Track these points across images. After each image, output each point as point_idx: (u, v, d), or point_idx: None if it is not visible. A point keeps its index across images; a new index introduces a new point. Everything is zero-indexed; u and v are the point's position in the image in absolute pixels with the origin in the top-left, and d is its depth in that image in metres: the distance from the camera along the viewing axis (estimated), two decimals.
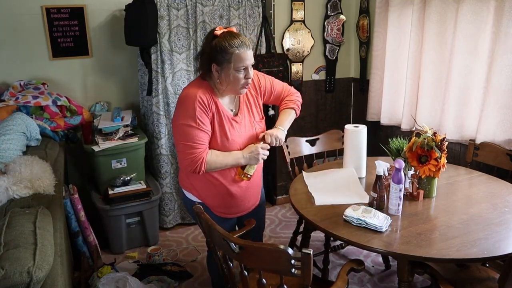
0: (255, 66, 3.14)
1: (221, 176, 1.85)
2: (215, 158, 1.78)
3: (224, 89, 1.79)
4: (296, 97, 2.08)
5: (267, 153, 1.87)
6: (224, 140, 1.80)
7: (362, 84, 3.69)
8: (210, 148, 1.80)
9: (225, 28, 1.76)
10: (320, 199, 1.96)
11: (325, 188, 2.09)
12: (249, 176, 1.87)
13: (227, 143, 1.81)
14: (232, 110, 1.86)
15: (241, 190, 1.91)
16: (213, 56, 1.71)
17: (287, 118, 2.01)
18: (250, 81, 1.78)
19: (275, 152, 3.44)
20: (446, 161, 1.95)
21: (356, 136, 2.21)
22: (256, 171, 1.94)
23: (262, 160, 1.88)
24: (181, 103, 1.76)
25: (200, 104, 1.72)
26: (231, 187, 1.88)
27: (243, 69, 1.73)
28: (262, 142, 1.87)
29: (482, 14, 2.50)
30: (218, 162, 1.78)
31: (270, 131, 1.91)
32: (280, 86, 2.06)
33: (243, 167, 1.87)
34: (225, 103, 1.84)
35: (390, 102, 3.29)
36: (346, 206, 1.83)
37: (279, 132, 1.93)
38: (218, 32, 1.72)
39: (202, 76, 1.82)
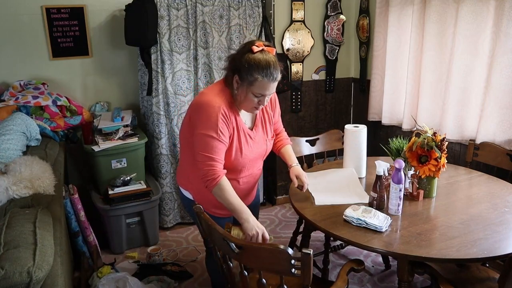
0: None
1: None
2: (228, 187, 1.71)
3: (239, 103, 1.77)
4: (287, 136, 2.15)
5: (259, 239, 1.65)
6: (238, 154, 1.79)
7: (362, 84, 3.69)
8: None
9: (266, 45, 1.70)
10: (320, 199, 1.96)
11: (325, 188, 2.09)
12: (231, 233, 1.67)
13: (240, 157, 1.80)
14: (245, 123, 1.84)
15: (236, 190, 1.89)
16: (239, 69, 1.68)
17: (293, 154, 2.08)
18: (261, 107, 1.77)
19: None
20: (446, 161, 1.95)
21: (356, 136, 2.21)
22: (255, 174, 1.95)
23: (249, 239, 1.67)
24: (203, 111, 1.71)
25: (223, 116, 1.69)
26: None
27: (260, 96, 1.71)
28: (270, 237, 1.69)
29: (482, 14, 2.50)
30: (228, 192, 1.70)
31: (299, 173, 1.96)
32: (280, 121, 2.11)
33: (236, 224, 1.73)
34: (242, 115, 1.83)
35: (391, 102, 3.29)
36: (346, 206, 1.84)
37: (300, 169, 2.00)
38: (256, 49, 1.67)
39: (225, 80, 1.79)
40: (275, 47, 1.80)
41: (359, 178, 2.21)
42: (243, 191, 1.92)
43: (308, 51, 3.57)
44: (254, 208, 2.13)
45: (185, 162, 1.91)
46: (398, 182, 1.77)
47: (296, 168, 2.00)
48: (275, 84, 1.71)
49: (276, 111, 1.99)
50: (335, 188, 2.09)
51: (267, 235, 1.66)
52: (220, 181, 1.69)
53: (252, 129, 1.86)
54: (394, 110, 3.29)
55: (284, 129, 2.16)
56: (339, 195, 2.00)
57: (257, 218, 2.20)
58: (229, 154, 1.78)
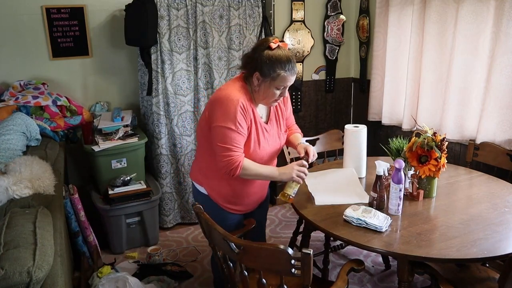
0: None
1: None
2: (251, 164, 1.78)
3: (259, 98, 1.83)
4: (298, 128, 2.19)
5: (304, 171, 1.82)
6: (256, 146, 1.84)
7: (362, 84, 3.69)
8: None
9: (281, 41, 1.78)
10: (320, 199, 1.96)
11: (325, 188, 2.09)
12: (287, 195, 1.83)
13: (258, 149, 1.84)
14: (261, 117, 1.90)
15: (255, 184, 1.95)
16: (260, 66, 1.74)
17: (301, 138, 2.12)
18: (280, 99, 1.85)
19: None
20: (446, 161, 1.95)
21: (356, 136, 2.21)
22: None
23: (300, 180, 1.83)
24: (221, 105, 1.75)
25: (241, 109, 1.74)
26: (247, 185, 1.92)
27: (282, 88, 1.79)
28: (302, 160, 1.85)
29: (482, 14, 2.51)
30: (253, 169, 1.78)
31: (307, 145, 1.97)
32: (292, 117, 2.16)
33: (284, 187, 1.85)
34: (259, 109, 1.89)
35: (391, 102, 3.29)
36: (346, 206, 1.84)
37: (308, 144, 2.02)
38: (273, 45, 1.74)
39: (243, 77, 1.85)
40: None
41: (359, 178, 2.21)
42: (260, 186, 1.99)
43: (308, 51, 3.57)
44: (264, 203, 2.17)
45: (203, 158, 1.94)
46: (398, 182, 1.77)
47: (303, 144, 2.01)
48: (295, 76, 1.81)
49: (287, 106, 2.05)
50: (335, 188, 2.09)
51: (302, 162, 1.82)
52: (242, 166, 1.75)
53: (267, 123, 1.92)
54: (394, 110, 3.29)
55: (296, 125, 2.20)
56: (339, 195, 2.00)
57: (266, 213, 2.28)
58: (248, 146, 1.82)
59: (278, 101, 1.86)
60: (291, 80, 1.79)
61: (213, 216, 1.88)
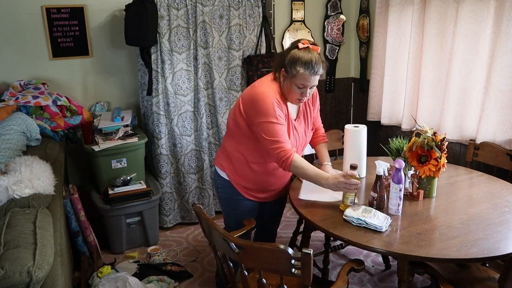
0: (255, 67, 3.14)
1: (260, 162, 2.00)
2: (301, 161, 1.87)
3: (284, 94, 1.93)
4: (324, 133, 2.31)
5: (350, 182, 1.78)
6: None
7: (362, 84, 3.69)
8: None
9: (311, 44, 1.88)
10: (305, 196, 2.01)
11: (316, 187, 2.08)
12: (346, 206, 1.84)
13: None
14: (291, 114, 2.00)
15: (283, 178, 2.09)
16: (285, 63, 1.87)
17: (326, 152, 2.23)
18: (304, 99, 1.92)
19: None
20: (446, 161, 1.95)
21: (356, 136, 2.21)
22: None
23: (350, 190, 1.83)
24: (258, 102, 1.86)
25: (277, 103, 1.86)
26: (268, 174, 2.04)
27: (302, 87, 1.86)
28: (348, 171, 1.84)
29: (482, 14, 2.51)
30: (303, 166, 1.86)
31: (327, 171, 2.07)
32: (319, 117, 2.29)
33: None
34: (289, 106, 1.98)
35: (391, 102, 3.29)
36: (330, 203, 1.91)
37: (331, 169, 2.13)
38: (301, 46, 1.86)
39: (274, 74, 1.97)
40: (318, 46, 1.93)
41: (359, 178, 2.20)
42: (280, 173, 2.06)
43: None
44: (281, 200, 2.25)
45: (231, 142, 2.03)
46: (398, 182, 1.77)
47: (326, 167, 2.14)
48: (317, 77, 1.87)
49: (316, 106, 2.16)
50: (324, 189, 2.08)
51: (347, 173, 1.80)
52: (293, 160, 1.84)
53: (295, 120, 2.03)
54: (394, 110, 3.29)
55: (322, 125, 2.30)
56: (325, 193, 2.00)
57: (282, 212, 2.37)
58: None
59: (302, 100, 1.93)
60: (311, 80, 1.85)
61: (229, 200, 2.08)
